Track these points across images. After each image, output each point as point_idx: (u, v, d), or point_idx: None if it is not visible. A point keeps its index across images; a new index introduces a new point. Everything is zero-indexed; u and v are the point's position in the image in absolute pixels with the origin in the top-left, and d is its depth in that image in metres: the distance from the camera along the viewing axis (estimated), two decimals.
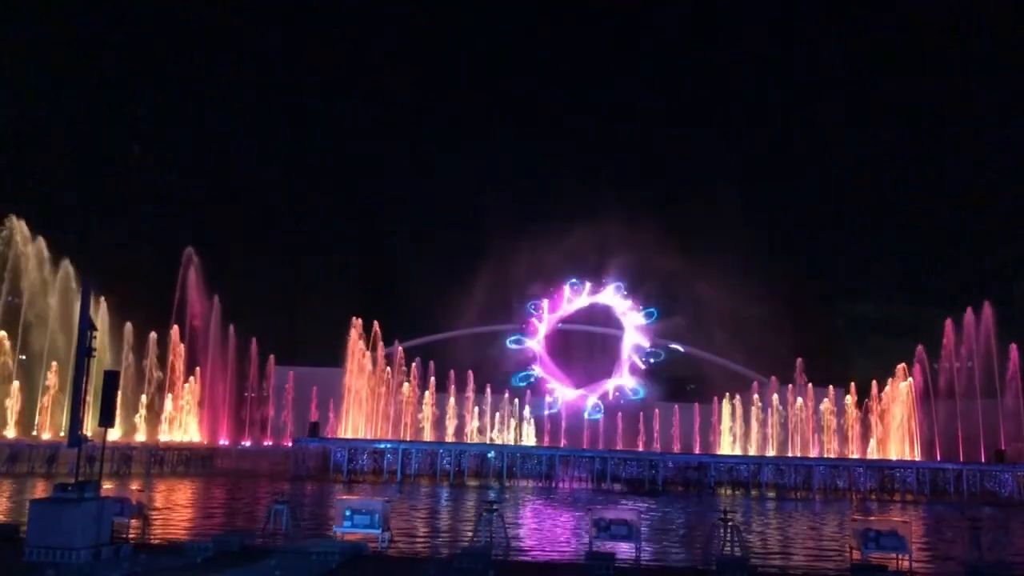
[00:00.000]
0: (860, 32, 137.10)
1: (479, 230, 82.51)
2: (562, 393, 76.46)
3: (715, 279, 77.22)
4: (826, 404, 66.74)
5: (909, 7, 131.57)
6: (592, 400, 76.44)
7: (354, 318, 64.08)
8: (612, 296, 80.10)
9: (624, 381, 77.83)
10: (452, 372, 69.60)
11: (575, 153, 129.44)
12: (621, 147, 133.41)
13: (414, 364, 68.64)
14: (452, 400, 68.88)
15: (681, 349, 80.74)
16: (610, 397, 76.71)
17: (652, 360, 79.13)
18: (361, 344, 64.62)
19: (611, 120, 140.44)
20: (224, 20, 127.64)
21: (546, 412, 73.95)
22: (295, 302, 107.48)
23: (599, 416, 74.73)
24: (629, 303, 79.81)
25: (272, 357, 71.19)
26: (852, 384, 67.41)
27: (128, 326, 60.63)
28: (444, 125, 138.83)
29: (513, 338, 78.08)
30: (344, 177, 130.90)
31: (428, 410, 67.18)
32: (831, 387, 67.35)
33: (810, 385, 67.53)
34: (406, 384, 67.64)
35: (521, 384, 74.78)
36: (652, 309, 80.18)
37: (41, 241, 59.55)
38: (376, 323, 66.75)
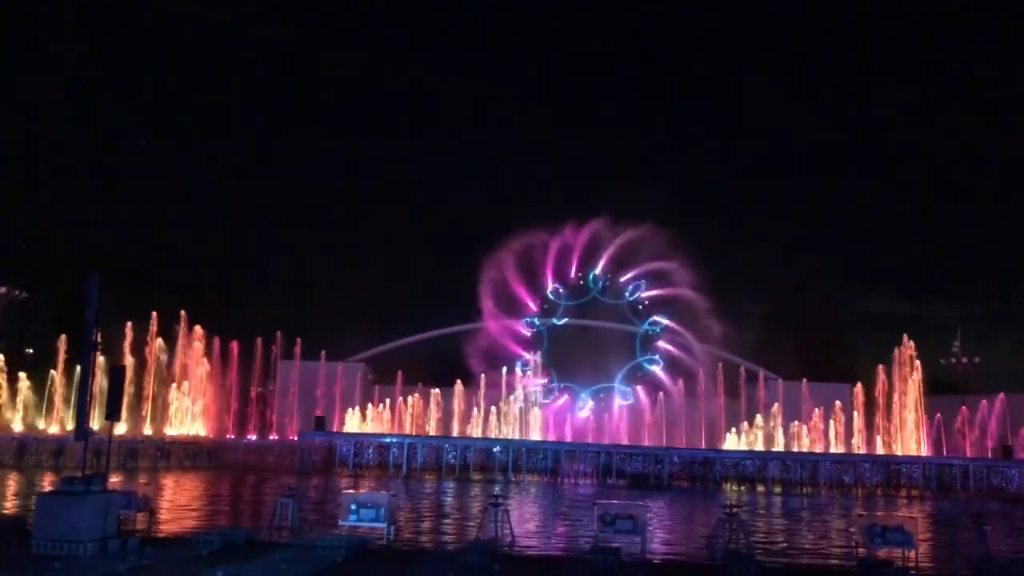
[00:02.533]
0: (871, 30, 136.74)
1: (484, 226, 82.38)
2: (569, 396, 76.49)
3: (722, 275, 77.01)
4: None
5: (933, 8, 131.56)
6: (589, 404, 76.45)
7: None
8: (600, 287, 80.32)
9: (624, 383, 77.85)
10: (458, 367, 69.54)
11: (580, 147, 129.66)
12: (627, 141, 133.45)
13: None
14: (457, 394, 68.73)
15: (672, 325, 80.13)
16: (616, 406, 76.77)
17: (652, 365, 79.00)
18: None
19: (616, 114, 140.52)
20: (228, 14, 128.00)
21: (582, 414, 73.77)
22: (302, 296, 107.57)
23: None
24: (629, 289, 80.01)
25: (277, 351, 71.24)
26: (859, 383, 67.24)
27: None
28: (449, 119, 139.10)
29: (520, 363, 77.36)
30: (346, 172, 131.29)
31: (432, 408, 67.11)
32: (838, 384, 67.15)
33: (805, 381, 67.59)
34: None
35: (523, 370, 74.59)
36: (640, 282, 79.80)
37: None
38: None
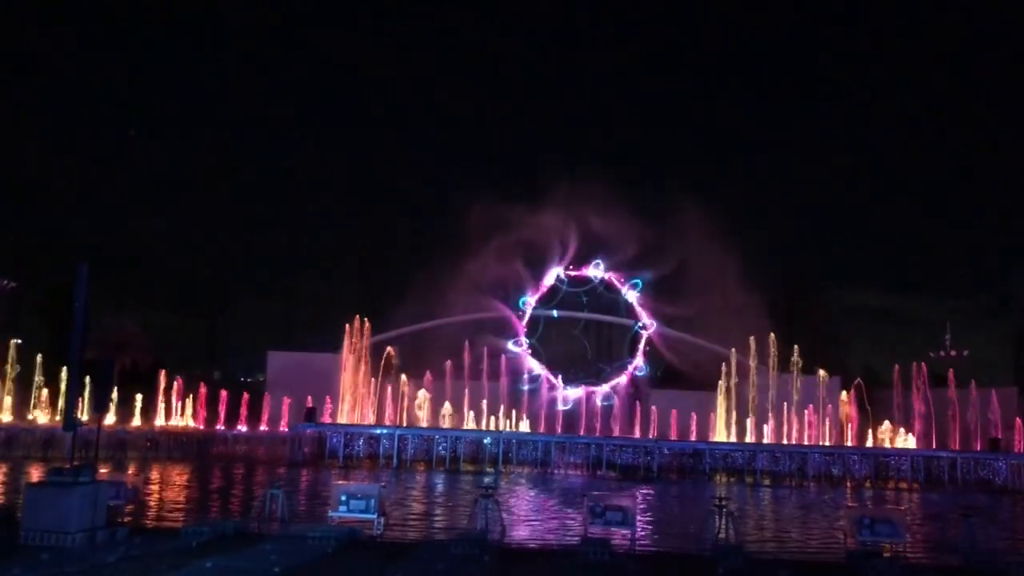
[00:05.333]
0: (861, 28, 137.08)
1: (471, 215, 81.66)
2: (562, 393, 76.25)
3: (710, 264, 76.99)
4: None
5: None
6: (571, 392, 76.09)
7: (350, 323, 64.41)
8: (595, 273, 79.65)
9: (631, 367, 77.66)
10: (449, 359, 69.22)
11: (562, 131, 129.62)
12: (612, 124, 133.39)
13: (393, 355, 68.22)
14: (448, 386, 68.58)
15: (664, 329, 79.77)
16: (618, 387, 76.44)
17: (637, 372, 78.53)
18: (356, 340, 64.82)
19: (602, 96, 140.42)
20: (226, 11, 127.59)
21: (561, 407, 73.41)
22: (291, 287, 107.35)
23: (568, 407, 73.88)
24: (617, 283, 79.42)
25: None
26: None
27: None
28: (438, 110, 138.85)
29: (512, 341, 76.89)
30: (341, 165, 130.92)
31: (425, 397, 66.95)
32: (823, 374, 67.04)
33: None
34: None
35: (515, 349, 74.44)
36: (637, 280, 79.35)
37: None
38: (366, 320, 66.51)
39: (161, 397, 61.40)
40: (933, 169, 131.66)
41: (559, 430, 65.68)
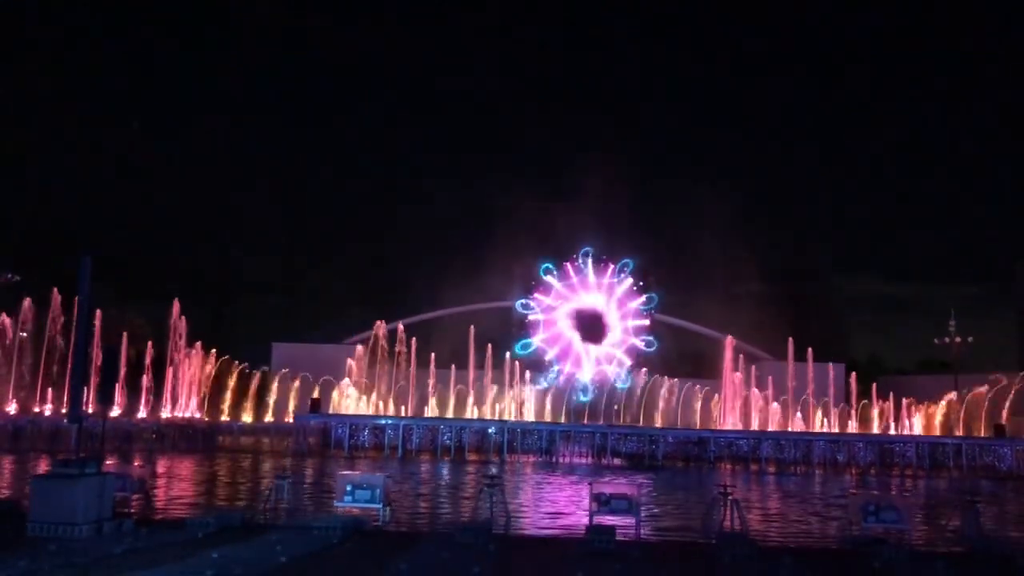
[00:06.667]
0: (876, 16, 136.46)
1: (475, 206, 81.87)
2: (572, 357, 75.76)
3: (715, 253, 76.90)
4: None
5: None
6: (586, 377, 75.71)
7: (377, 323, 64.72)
8: (591, 268, 78.96)
9: (616, 357, 77.19)
10: (452, 349, 69.28)
11: (564, 125, 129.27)
12: (614, 116, 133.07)
13: (413, 340, 68.39)
14: (452, 376, 68.74)
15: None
16: (610, 374, 76.09)
17: (646, 347, 77.71)
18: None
19: (602, 93, 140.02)
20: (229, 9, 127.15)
21: (544, 385, 73.16)
22: (296, 279, 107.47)
23: (588, 399, 73.49)
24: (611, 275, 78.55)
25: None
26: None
27: None
28: (443, 100, 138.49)
29: (520, 343, 76.50)
30: (342, 159, 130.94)
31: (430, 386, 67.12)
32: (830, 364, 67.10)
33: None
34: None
35: (521, 352, 74.33)
36: (628, 260, 78.31)
37: None
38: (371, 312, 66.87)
39: (168, 370, 61.51)
40: (936, 159, 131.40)
41: (563, 419, 65.82)
